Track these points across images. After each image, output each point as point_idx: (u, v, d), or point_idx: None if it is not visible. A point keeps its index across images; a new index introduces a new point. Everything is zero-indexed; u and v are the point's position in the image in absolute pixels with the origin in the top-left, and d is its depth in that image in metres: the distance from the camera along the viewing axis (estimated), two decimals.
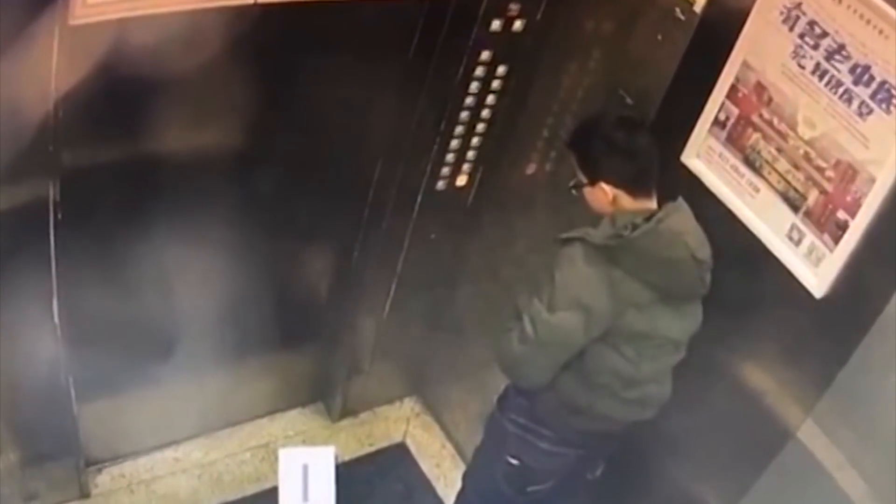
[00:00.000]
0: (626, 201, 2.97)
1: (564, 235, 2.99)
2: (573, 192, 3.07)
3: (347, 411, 4.44)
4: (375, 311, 4.04)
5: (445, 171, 3.66)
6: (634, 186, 2.97)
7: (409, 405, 4.61)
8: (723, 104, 2.94)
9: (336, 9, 3.01)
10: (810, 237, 2.78)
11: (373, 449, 4.42)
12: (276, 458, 3.87)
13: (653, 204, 3.00)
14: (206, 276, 3.44)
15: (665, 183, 3.05)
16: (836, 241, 2.71)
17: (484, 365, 4.27)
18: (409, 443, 4.47)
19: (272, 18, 2.89)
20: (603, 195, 2.98)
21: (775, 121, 2.82)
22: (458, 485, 3.75)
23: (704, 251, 2.93)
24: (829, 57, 2.65)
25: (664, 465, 3.28)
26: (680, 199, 2.97)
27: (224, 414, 4.19)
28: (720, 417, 3.11)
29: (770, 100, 2.82)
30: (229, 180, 3.28)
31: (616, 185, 2.96)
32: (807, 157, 2.75)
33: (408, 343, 4.29)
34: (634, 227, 2.88)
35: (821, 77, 2.68)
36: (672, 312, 2.98)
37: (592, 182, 3.00)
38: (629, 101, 3.27)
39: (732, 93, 2.91)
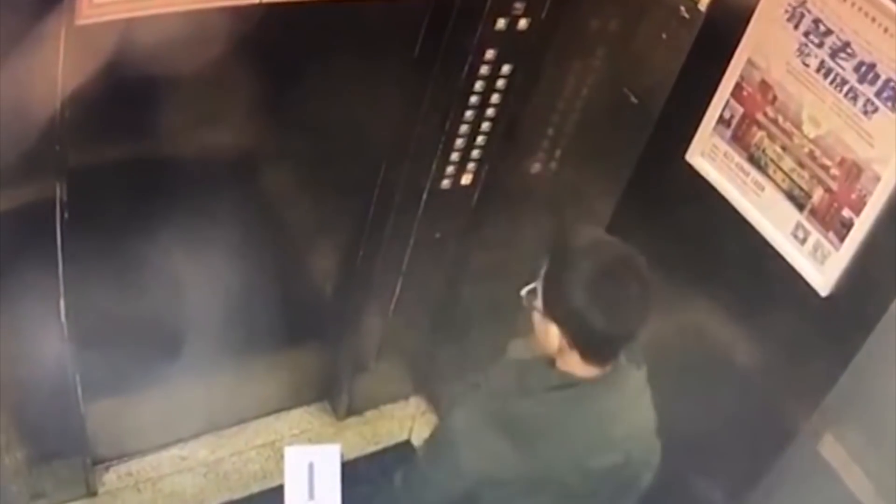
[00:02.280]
0: (573, 361, 2.35)
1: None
2: (522, 298, 2.42)
3: (353, 410, 4.45)
4: (381, 310, 4.04)
5: (450, 170, 3.66)
6: (590, 353, 2.34)
7: (414, 404, 4.61)
8: (727, 102, 2.94)
9: (340, 8, 3.01)
10: (815, 235, 2.78)
11: (378, 447, 4.42)
12: (282, 457, 3.87)
13: (602, 372, 2.38)
14: (213, 275, 3.44)
15: (670, 182, 3.05)
16: (842, 239, 2.71)
17: (490, 363, 4.29)
18: (415, 441, 4.46)
19: (277, 18, 2.89)
20: (551, 336, 2.32)
21: (780, 119, 2.82)
22: None
23: (615, 458, 2.41)
24: (833, 55, 2.65)
25: (669, 463, 3.28)
26: (642, 369, 2.51)
27: (230, 412, 4.20)
28: (725, 415, 3.10)
29: (775, 98, 2.82)
30: (235, 180, 3.29)
31: (570, 340, 2.31)
32: (812, 155, 2.75)
33: (413, 342, 4.30)
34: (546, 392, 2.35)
35: (826, 75, 2.68)
36: None
37: (546, 314, 2.33)
38: (634, 99, 3.28)
39: (737, 91, 2.91)
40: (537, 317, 2.37)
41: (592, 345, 2.32)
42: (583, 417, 2.38)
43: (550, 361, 2.39)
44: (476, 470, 2.34)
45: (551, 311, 2.32)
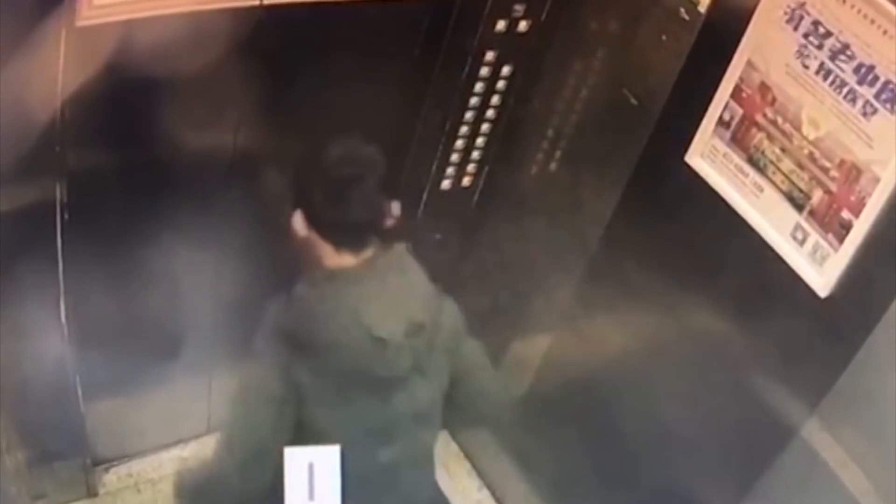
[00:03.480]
0: (328, 254, 2.62)
1: None
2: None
3: None
4: None
5: (450, 170, 3.68)
6: (336, 242, 2.60)
7: None
8: (727, 104, 2.94)
9: (341, 9, 3.02)
10: (815, 237, 2.78)
11: None
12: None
13: (354, 261, 2.62)
14: (213, 275, 3.45)
15: (670, 183, 3.05)
16: (841, 240, 2.71)
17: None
18: None
19: (277, 19, 2.90)
20: (297, 229, 2.63)
21: (779, 121, 2.82)
22: (464, 483, 3.75)
23: (393, 326, 2.58)
24: (833, 57, 2.65)
25: (668, 463, 3.29)
26: (396, 248, 2.69)
27: None
28: (724, 415, 3.11)
29: (774, 100, 2.82)
30: (235, 181, 3.29)
31: (320, 236, 2.60)
32: (811, 156, 2.75)
33: None
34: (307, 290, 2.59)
35: (825, 77, 2.68)
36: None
37: (299, 223, 2.61)
38: (633, 101, 3.28)
39: (737, 93, 2.91)
40: (299, 231, 2.61)
41: (336, 234, 2.58)
42: (356, 297, 2.57)
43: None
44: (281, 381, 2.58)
45: (304, 218, 2.59)
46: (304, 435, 2.65)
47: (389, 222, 2.64)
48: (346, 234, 2.60)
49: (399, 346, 2.59)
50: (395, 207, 2.66)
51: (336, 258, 2.60)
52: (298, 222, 2.59)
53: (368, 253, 2.62)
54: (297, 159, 2.67)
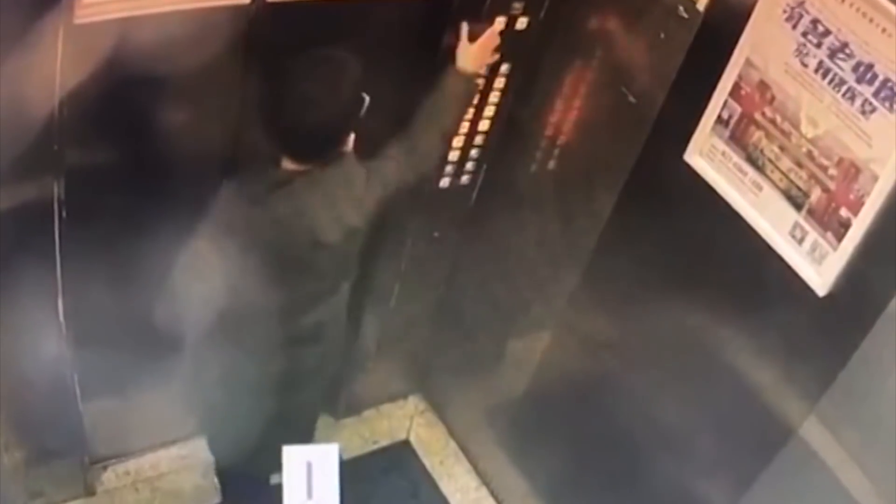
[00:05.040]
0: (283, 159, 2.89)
1: None
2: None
3: (351, 409, 4.45)
4: (379, 309, 4.05)
5: (449, 168, 3.68)
6: (293, 151, 2.87)
7: (412, 403, 4.62)
8: (726, 102, 2.94)
9: (339, 7, 3.03)
10: (813, 235, 2.79)
11: (377, 447, 4.43)
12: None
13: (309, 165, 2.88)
14: (211, 274, 3.44)
15: (668, 181, 3.05)
16: (839, 239, 2.71)
17: (488, 362, 4.30)
18: (413, 440, 4.48)
19: (272, 17, 2.91)
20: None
21: (778, 119, 2.82)
22: (462, 481, 3.75)
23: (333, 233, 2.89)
24: (832, 55, 2.65)
25: (666, 461, 3.29)
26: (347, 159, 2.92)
27: None
28: (724, 414, 3.12)
29: (773, 98, 2.82)
30: (233, 180, 3.28)
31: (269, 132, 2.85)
32: (810, 155, 2.75)
33: (411, 341, 4.30)
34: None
35: (824, 75, 2.68)
36: None
37: None
38: (632, 99, 3.29)
39: (735, 91, 2.91)
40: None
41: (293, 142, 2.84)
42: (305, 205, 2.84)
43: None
44: None
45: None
46: None
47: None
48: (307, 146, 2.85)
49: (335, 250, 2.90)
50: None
51: (291, 164, 2.85)
52: None
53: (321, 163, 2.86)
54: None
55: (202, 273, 2.94)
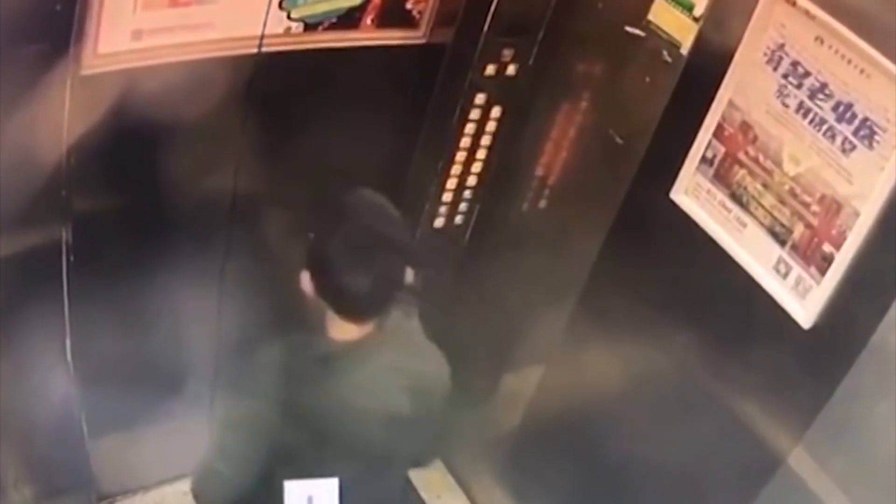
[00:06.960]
0: (330, 316, 2.59)
1: None
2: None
3: None
4: None
5: (443, 209, 3.73)
6: (342, 310, 2.58)
7: None
8: (710, 142, 2.97)
9: (337, 56, 3.09)
10: (797, 270, 2.81)
11: None
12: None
13: (358, 333, 2.62)
14: (213, 314, 3.48)
15: (655, 219, 3.09)
16: (823, 273, 2.73)
17: (483, 398, 4.31)
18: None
19: (275, 66, 2.96)
20: (304, 288, 2.60)
21: (761, 158, 2.85)
22: None
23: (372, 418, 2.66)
24: (812, 96, 2.69)
25: (657, 493, 3.29)
26: (400, 323, 2.74)
27: None
28: (711, 446, 3.12)
29: (755, 138, 2.85)
30: (235, 223, 3.35)
31: (320, 293, 2.56)
32: (792, 192, 2.78)
33: None
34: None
35: (805, 115, 2.72)
36: None
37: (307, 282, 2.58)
38: (619, 140, 3.31)
39: (719, 131, 2.94)
40: (306, 291, 2.57)
41: (343, 304, 2.54)
42: (345, 384, 2.60)
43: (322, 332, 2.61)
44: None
45: (312, 281, 2.55)
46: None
47: (403, 289, 2.66)
48: (355, 307, 2.59)
49: (373, 433, 2.67)
50: (409, 275, 2.68)
51: (338, 324, 2.59)
52: (306, 283, 2.57)
53: (370, 327, 2.63)
54: (315, 222, 2.62)
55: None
